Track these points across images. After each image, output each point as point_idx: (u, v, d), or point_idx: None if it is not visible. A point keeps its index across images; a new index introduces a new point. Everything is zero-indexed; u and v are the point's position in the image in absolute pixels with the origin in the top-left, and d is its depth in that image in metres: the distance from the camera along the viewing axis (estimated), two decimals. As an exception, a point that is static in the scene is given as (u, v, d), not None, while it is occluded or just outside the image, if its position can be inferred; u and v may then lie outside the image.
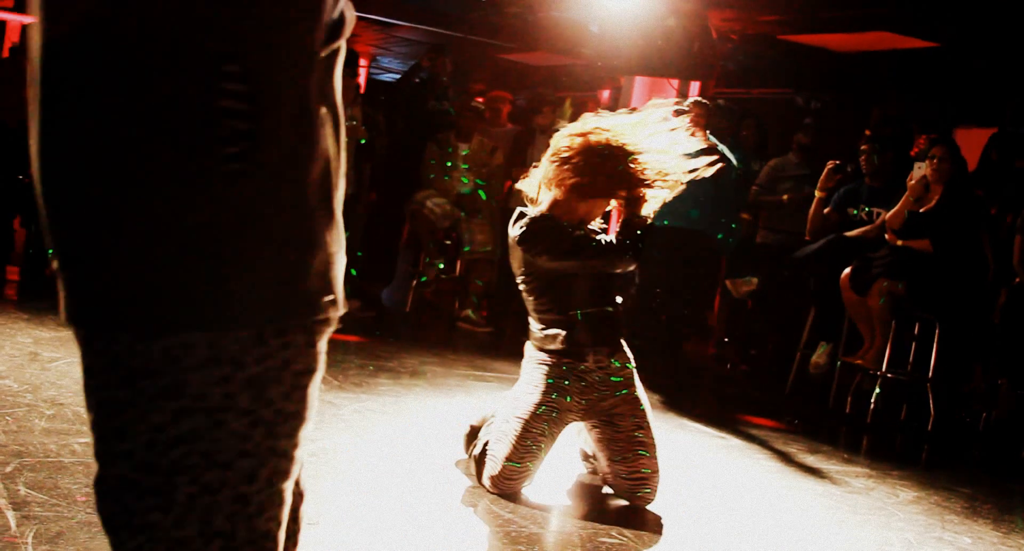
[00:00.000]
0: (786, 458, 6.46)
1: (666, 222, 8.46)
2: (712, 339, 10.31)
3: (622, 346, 5.20)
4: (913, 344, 8.00)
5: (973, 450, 7.85)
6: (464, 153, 10.13)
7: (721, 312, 10.24)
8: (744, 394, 8.91)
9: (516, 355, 8.60)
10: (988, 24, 9.55)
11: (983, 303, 8.02)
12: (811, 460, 6.50)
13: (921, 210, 7.94)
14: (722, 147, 8.78)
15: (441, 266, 10.18)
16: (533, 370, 5.06)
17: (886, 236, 8.14)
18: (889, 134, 9.11)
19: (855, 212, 8.61)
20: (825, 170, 8.73)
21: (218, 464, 1.61)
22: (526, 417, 4.85)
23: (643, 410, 5.18)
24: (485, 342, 9.36)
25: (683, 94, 10.88)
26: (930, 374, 7.79)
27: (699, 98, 9.18)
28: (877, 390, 7.97)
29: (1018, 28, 9.39)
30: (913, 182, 8.00)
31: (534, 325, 5.18)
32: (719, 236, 8.95)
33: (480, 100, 11.05)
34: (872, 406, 7.97)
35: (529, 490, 4.94)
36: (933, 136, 8.72)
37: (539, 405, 4.89)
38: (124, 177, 1.53)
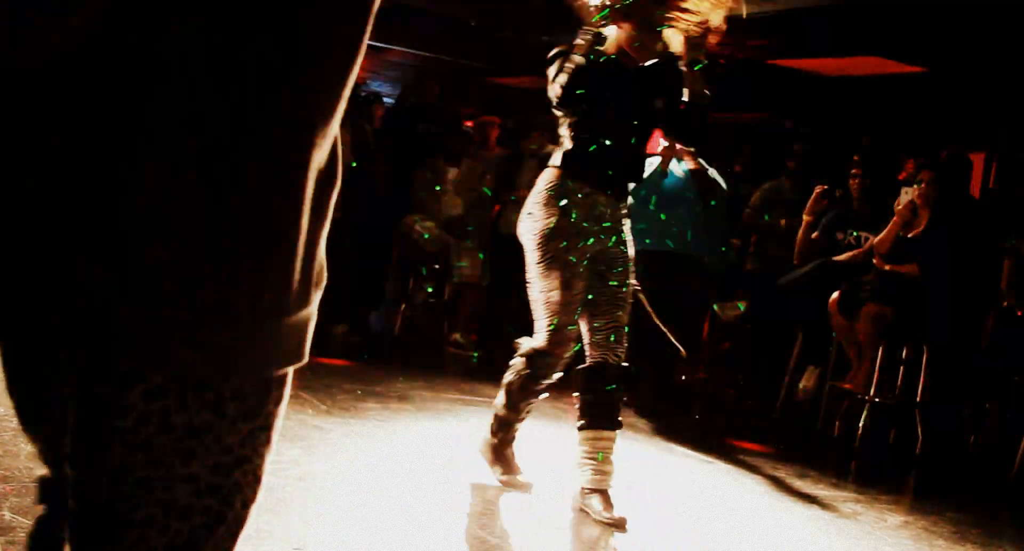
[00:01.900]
0: (774, 482, 6.46)
1: (648, 243, 8.49)
2: (701, 363, 10.30)
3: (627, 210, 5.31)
4: (901, 368, 8.01)
5: (961, 474, 7.84)
6: (453, 177, 10.13)
7: (710, 337, 10.24)
8: (732, 418, 8.90)
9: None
10: (975, 49, 9.59)
11: (970, 327, 8.03)
12: (799, 484, 6.49)
13: (909, 235, 7.96)
14: (712, 171, 8.80)
15: (430, 290, 10.18)
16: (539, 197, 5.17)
17: (874, 260, 8.16)
18: (877, 159, 9.13)
19: (843, 236, 8.62)
20: (813, 195, 8.75)
21: None
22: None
23: (630, 270, 5.27)
24: (474, 367, 9.35)
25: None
26: (918, 398, 7.80)
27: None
28: (865, 414, 7.97)
29: (1005, 52, 9.44)
30: (900, 207, 8.02)
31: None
32: (709, 260, 8.96)
33: (469, 124, 11.07)
34: (860, 430, 7.96)
35: (522, 517, 4.93)
36: (921, 160, 8.74)
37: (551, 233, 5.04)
38: None
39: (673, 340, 7.16)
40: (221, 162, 1.34)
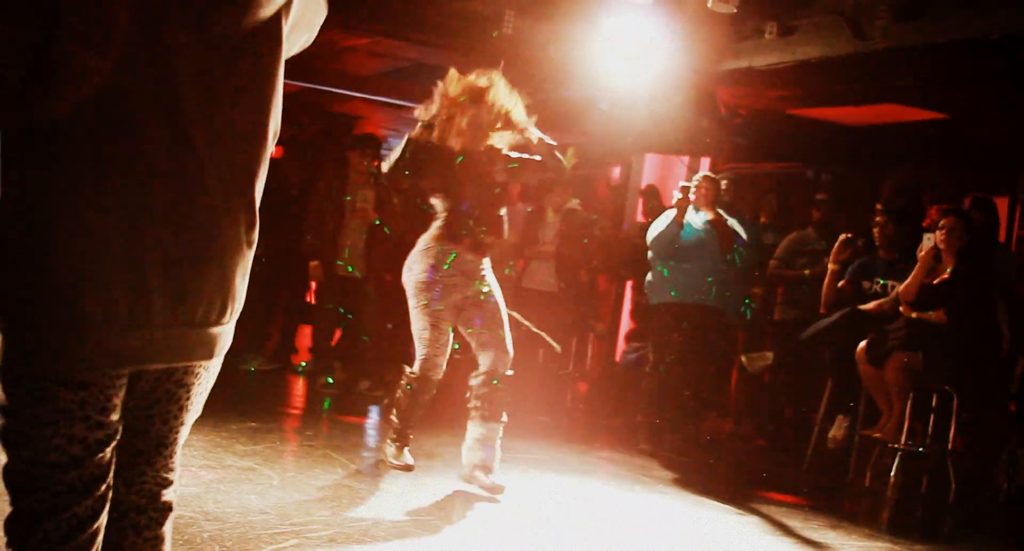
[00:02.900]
0: (807, 534, 6.41)
1: (673, 294, 8.50)
2: (730, 415, 10.27)
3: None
4: (931, 416, 7.94)
5: (995, 521, 7.76)
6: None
7: (738, 388, 10.20)
8: (762, 469, 8.85)
9: (533, 434, 8.60)
10: (995, 94, 9.59)
11: (1000, 373, 7.97)
12: (832, 536, 6.44)
13: (934, 282, 7.93)
14: (732, 221, 8.80)
15: (456, 346, 10.17)
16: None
17: (900, 308, 8.12)
18: (901, 206, 9.12)
19: (870, 285, 8.60)
20: (837, 243, 8.74)
21: None
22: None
23: (497, 304, 6.56)
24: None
25: (693, 169, 10.94)
26: (949, 446, 7.73)
27: (708, 173, 9.22)
28: (897, 463, 7.90)
29: (1024, 96, 9.45)
30: (923, 253, 8.00)
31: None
32: (729, 311, 8.93)
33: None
34: (892, 479, 7.89)
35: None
36: (944, 206, 8.72)
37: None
38: None
39: (550, 340, 8.20)
40: None
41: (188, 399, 2.51)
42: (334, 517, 5.34)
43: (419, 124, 6.44)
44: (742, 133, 11.43)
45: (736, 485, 7.91)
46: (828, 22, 8.74)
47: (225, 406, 8.17)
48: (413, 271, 6.44)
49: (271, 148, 2.45)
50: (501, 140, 6.45)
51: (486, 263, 6.54)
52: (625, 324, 11.36)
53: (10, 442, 2.21)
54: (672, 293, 8.74)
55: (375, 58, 12.09)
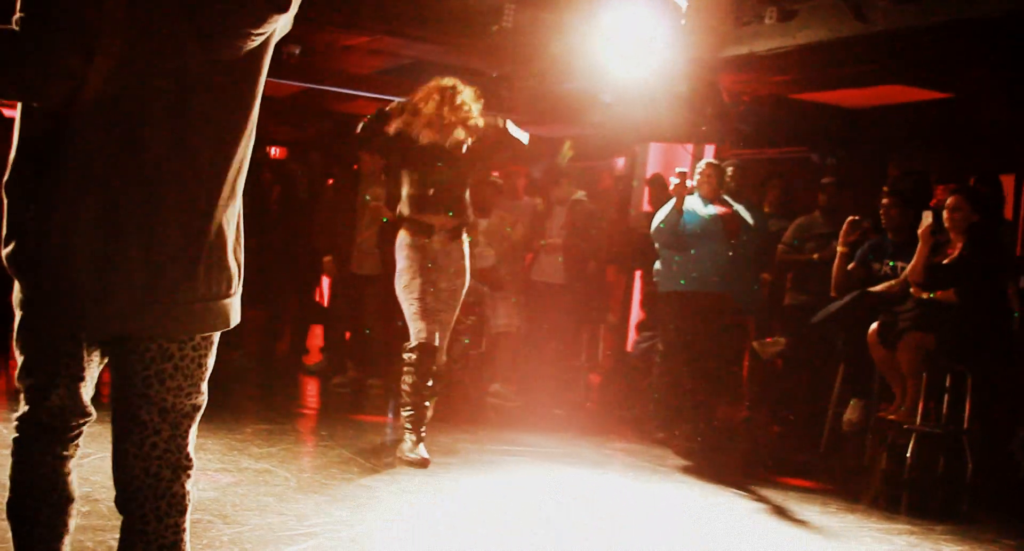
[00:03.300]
0: (825, 519, 6.41)
1: (683, 283, 8.50)
2: (743, 401, 10.26)
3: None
4: (946, 396, 7.93)
5: (1014, 500, 7.74)
6: (483, 229, 10.16)
7: (751, 374, 10.19)
8: (778, 455, 8.85)
9: (548, 427, 8.60)
10: (998, 72, 9.57)
11: (1012, 351, 7.95)
12: (851, 520, 6.44)
13: (944, 262, 7.91)
14: (738, 207, 8.79)
15: (467, 341, 10.18)
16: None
17: (911, 290, 8.10)
18: (908, 187, 9.09)
19: (880, 267, 8.58)
20: (844, 226, 8.73)
21: None
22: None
23: (459, 286, 7.11)
24: (515, 416, 9.34)
25: (698, 157, 10.93)
26: (965, 426, 7.72)
27: (712, 160, 9.20)
28: (912, 444, 7.89)
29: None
30: (921, 231, 7.98)
31: None
32: (738, 298, 8.90)
33: (497, 174, 11.10)
34: (909, 461, 7.87)
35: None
36: (951, 186, 8.71)
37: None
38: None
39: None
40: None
41: (177, 366, 2.79)
42: (352, 517, 5.35)
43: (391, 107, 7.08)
44: (745, 119, 11.40)
45: (752, 471, 7.90)
46: (828, 5, 8.71)
47: (239, 408, 8.20)
48: (398, 260, 7.10)
49: (238, 165, 2.79)
50: (462, 133, 6.98)
51: (460, 245, 7.13)
52: (636, 314, 11.36)
53: (25, 370, 2.83)
54: (681, 281, 8.73)
55: (375, 56, 12.08)
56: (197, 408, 2.86)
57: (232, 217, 2.81)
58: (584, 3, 9.19)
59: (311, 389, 10.05)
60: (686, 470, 7.60)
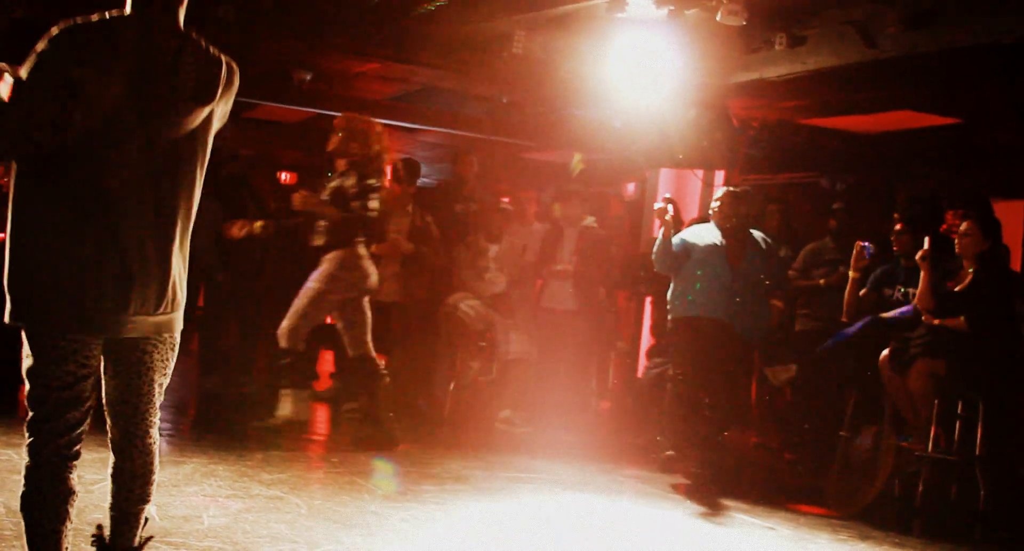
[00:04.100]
0: (837, 546, 6.39)
1: (695, 311, 8.48)
2: (753, 428, 10.23)
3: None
4: (957, 423, 7.89)
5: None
6: (494, 255, 10.17)
7: (761, 401, 10.16)
8: (790, 481, 8.82)
9: (559, 454, 8.59)
10: (1008, 97, 9.58)
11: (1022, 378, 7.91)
12: (862, 548, 6.43)
13: (956, 289, 7.89)
14: (758, 234, 8.79)
15: (478, 368, 10.17)
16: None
17: (923, 316, 8.08)
18: (918, 213, 9.07)
19: (891, 292, 8.56)
20: (854, 251, 8.72)
21: None
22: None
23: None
24: (526, 442, 9.32)
25: (708, 183, 10.93)
26: (977, 452, 7.68)
27: (731, 187, 9.20)
28: (924, 471, 7.85)
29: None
30: (917, 257, 7.97)
31: None
32: (740, 326, 8.84)
33: (507, 200, 11.12)
34: (920, 488, 7.84)
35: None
36: (960, 211, 8.69)
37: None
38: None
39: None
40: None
41: (152, 363, 3.73)
42: (364, 544, 5.34)
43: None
44: (755, 145, 11.42)
45: (764, 498, 7.87)
46: (838, 31, 8.73)
47: (249, 435, 8.20)
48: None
49: (196, 198, 3.73)
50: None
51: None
52: (646, 341, 11.34)
53: (31, 373, 3.55)
54: (690, 307, 8.73)
55: (386, 82, 12.12)
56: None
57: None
58: (594, 29, 9.21)
59: (321, 415, 10.03)
60: (698, 497, 7.57)
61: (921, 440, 7.94)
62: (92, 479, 5.95)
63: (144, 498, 3.77)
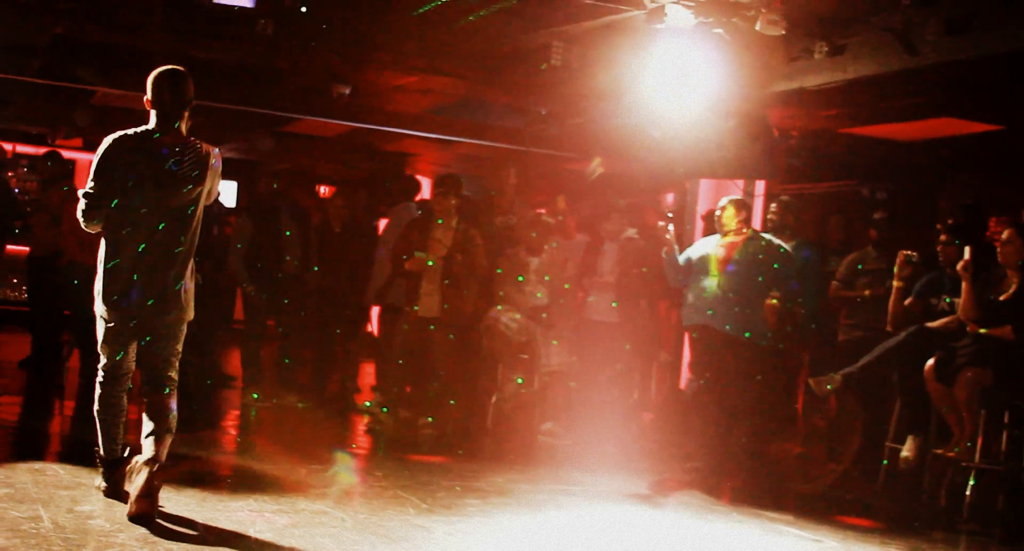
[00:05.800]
0: (886, 558, 6.34)
1: (728, 328, 8.49)
2: (797, 438, 10.17)
3: None
4: (1004, 433, 7.83)
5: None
6: (535, 268, 10.16)
7: (806, 411, 10.10)
8: (835, 493, 8.76)
9: (602, 466, 8.56)
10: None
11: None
12: (912, 559, 6.36)
13: (1001, 298, 7.84)
14: (777, 242, 8.80)
15: (520, 381, 10.16)
16: None
17: (967, 327, 8.02)
18: (961, 223, 9.00)
19: (937, 302, 8.51)
20: (897, 261, 8.67)
21: None
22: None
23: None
24: (569, 455, 9.29)
25: (749, 192, 10.89)
26: (1024, 462, 7.62)
27: (784, 198, 9.23)
28: (971, 482, 7.79)
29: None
30: (959, 267, 7.91)
31: None
32: (753, 338, 8.79)
33: (545, 212, 11.10)
34: (967, 499, 7.78)
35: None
36: (1003, 219, 8.63)
37: None
38: None
39: None
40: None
41: (165, 338, 5.81)
42: (410, 559, 5.33)
43: None
44: (795, 154, 11.38)
45: (809, 510, 7.82)
46: (878, 39, 8.70)
47: (292, 450, 8.21)
48: None
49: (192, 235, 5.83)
50: None
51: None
52: (688, 352, 11.30)
53: (106, 345, 5.80)
54: (687, 316, 8.91)
55: (424, 95, 12.14)
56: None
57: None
58: (632, 39, 9.20)
59: (362, 428, 10.03)
60: (742, 508, 7.53)
61: (968, 450, 7.87)
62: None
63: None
